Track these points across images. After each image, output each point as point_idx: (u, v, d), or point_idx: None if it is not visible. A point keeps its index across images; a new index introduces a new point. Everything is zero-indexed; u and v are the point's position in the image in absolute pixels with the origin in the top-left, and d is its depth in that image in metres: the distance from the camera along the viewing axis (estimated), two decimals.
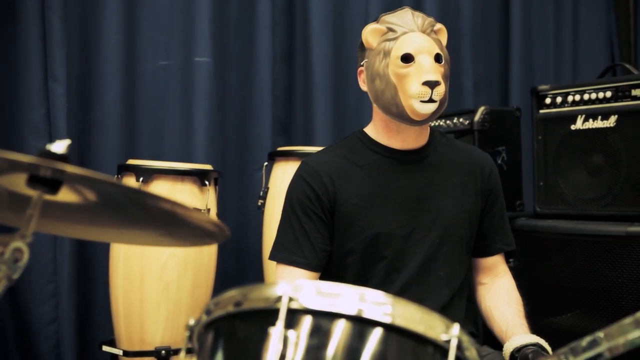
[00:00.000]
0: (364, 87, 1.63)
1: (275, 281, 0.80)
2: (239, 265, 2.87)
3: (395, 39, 1.54)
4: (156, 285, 2.26)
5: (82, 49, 2.65)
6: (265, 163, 2.62)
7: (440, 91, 1.51)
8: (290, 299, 0.77)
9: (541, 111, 2.47)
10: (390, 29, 1.56)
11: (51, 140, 2.51)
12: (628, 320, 0.93)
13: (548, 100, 2.45)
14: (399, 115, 1.54)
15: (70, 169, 0.76)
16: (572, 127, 2.36)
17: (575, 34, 3.52)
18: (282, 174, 2.47)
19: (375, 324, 0.80)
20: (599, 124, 2.29)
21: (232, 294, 0.84)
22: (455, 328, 0.78)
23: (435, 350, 0.79)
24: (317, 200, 1.57)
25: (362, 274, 1.59)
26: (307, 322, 0.79)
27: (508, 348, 1.50)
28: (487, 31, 3.37)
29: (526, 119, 2.67)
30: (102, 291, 2.50)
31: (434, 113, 1.54)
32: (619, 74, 3.04)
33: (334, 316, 0.80)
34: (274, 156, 2.58)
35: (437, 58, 1.54)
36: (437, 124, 2.83)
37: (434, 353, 0.79)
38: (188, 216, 0.83)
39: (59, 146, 0.83)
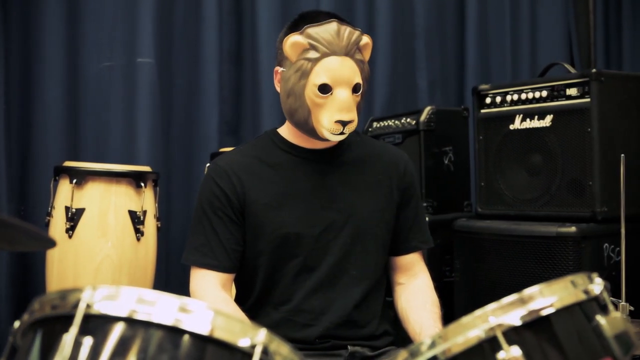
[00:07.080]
0: (278, 87, 1.62)
1: (91, 285, 0.78)
2: (185, 267, 2.84)
3: (315, 60, 1.48)
4: None
5: (22, 50, 2.64)
6: (208, 164, 2.60)
7: (352, 127, 1.53)
8: (88, 306, 0.75)
9: (482, 111, 2.46)
10: (312, 46, 1.48)
11: None
12: (466, 319, 0.90)
13: (488, 100, 2.43)
14: (308, 133, 1.56)
15: None
16: (511, 126, 2.35)
17: (533, 33, 3.47)
18: None
19: (189, 334, 0.78)
20: (535, 123, 2.28)
21: (53, 296, 0.82)
22: (261, 334, 0.76)
23: (243, 357, 0.77)
24: (227, 200, 1.56)
25: (273, 274, 1.57)
26: (113, 330, 0.77)
27: None
28: (442, 30, 3.33)
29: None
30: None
31: None
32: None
33: (146, 325, 0.78)
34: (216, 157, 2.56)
35: (356, 88, 1.52)
36: (384, 124, 2.81)
37: None
38: (12, 223, 0.82)
39: None
